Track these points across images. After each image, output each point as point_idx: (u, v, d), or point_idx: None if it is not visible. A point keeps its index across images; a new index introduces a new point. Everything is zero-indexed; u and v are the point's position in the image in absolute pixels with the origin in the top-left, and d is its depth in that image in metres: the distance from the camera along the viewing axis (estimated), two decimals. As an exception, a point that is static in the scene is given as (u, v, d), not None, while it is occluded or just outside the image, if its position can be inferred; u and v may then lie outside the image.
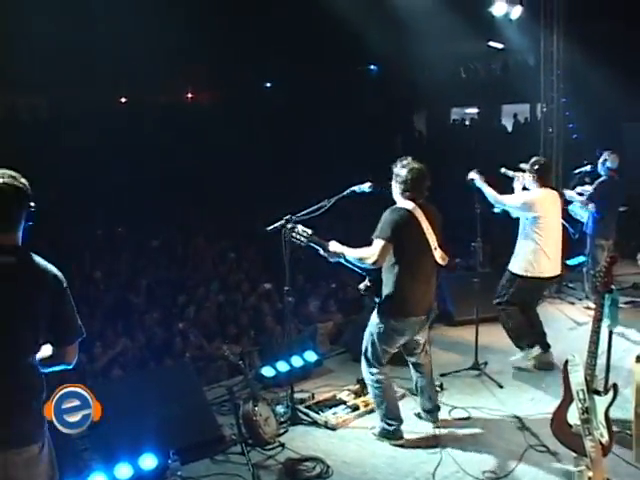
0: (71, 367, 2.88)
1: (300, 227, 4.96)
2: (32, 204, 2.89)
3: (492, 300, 6.57)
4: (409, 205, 4.84)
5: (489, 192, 6.44)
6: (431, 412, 5.31)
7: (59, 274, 2.92)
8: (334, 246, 4.88)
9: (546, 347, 6.50)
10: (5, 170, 2.86)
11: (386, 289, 4.86)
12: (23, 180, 2.89)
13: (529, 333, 6.48)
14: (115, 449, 4.60)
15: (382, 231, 4.73)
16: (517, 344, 6.52)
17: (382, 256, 4.71)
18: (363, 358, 5.09)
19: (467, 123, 25.90)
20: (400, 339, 4.97)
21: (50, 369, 2.85)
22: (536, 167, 6.42)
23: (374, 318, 4.97)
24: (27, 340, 2.78)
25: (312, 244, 4.92)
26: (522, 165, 6.58)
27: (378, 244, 4.70)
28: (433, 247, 4.88)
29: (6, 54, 21.92)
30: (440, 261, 4.95)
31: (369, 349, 5.01)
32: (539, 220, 6.25)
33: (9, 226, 2.83)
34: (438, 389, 5.79)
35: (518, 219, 6.49)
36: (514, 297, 6.41)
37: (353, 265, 4.89)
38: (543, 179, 6.40)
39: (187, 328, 8.40)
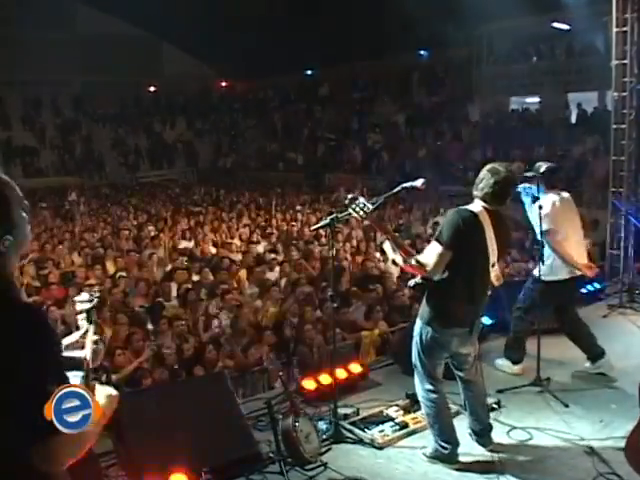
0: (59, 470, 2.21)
1: (362, 199, 4.92)
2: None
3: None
4: (476, 207, 4.79)
5: None
6: (480, 435, 5.19)
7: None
8: (387, 248, 4.87)
9: (596, 356, 6.55)
10: None
11: (431, 294, 4.83)
12: None
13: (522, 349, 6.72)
14: (144, 466, 4.62)
15: (442, 235, 4.69)
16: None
17: (440, 264, 4.67)
18: (415, 373, 5.05)
19: (527, 113, 25.55)
20: (443, 352, 4.93)
21: None
22: (541, 169, 6.43)
23: (416, 325, 4.96)
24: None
25: (370, 222, 4.89)
26: (527, 173, 6.52)
27: (436, 250, 4.67)
28: (491, 262, 4.81)
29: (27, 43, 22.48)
30: (494, 280, 4.91)
31: (417, 362, 4.98)
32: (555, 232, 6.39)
33: None
34: (495, 406, 5.71)
35: None
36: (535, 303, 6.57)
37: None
38: (550, 181, 6.48)
39: (221, 336, 8.43)
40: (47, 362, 2.13)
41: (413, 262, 4.76)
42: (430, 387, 4.94)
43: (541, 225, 6.29)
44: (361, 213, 4.84)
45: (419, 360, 4.95)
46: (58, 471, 2.17)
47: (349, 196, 4.98)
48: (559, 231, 6.37)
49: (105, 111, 33.12)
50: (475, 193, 4.89)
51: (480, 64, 25.80)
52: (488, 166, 4.91)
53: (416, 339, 4.94)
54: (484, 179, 4.85)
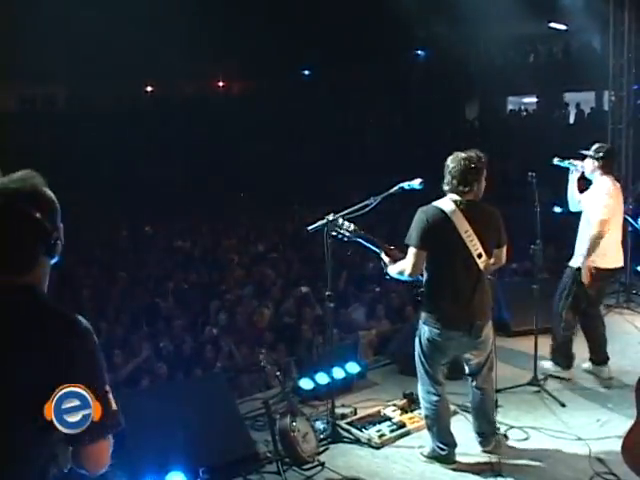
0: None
1: (342, 220, 4.92)
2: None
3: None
4: (446, 205, 4.71)
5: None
6: (485, 437, 5.14)
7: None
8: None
9: (600, 361, 6.47)
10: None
11: (424, 295, 4.82)
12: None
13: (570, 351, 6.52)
14: (141, 466, 4.63)
15: (410, 237, 4.68)
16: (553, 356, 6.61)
17: (416, 266, 4.67)
18: (418, 373, 5.01)
19: (525, 113, 25.58)
20: (442, 356, 4.90)
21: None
22: (600, 153, 6.29)
23: (418, 327, 4.94)
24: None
25: (359, 239, 4.90)
26: (584, 151, 6.42)
27: (410, 253, 4.69)
28: (476, 254, 4.70)
29: (23, 43, 22.49)
30: (482, 269, 4.75)
31: (419, 363, 4.95)
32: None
33: None
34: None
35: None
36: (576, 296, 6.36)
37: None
38: (607, 166, 6.30)
39: (219, 336, 8.43)
40: (100, 367, 2.18)
41: (396, 270, 4.79)
42: (431, 389, 4.90)
43: (597, 213, 6.08)
44: (347, 234, 4.87)
45: (420, 362, 4.92)
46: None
47: (329, 218, 4.99)
48: (608, 222, 6.12)
49: (103, 111, 33.07)
50: (444, 188, 4.81)
51: (478, 64, 25.80)
52: (450, 156, 4.80)
53: (417, 340, 4.93)
54: (446, 169, 4.76)
